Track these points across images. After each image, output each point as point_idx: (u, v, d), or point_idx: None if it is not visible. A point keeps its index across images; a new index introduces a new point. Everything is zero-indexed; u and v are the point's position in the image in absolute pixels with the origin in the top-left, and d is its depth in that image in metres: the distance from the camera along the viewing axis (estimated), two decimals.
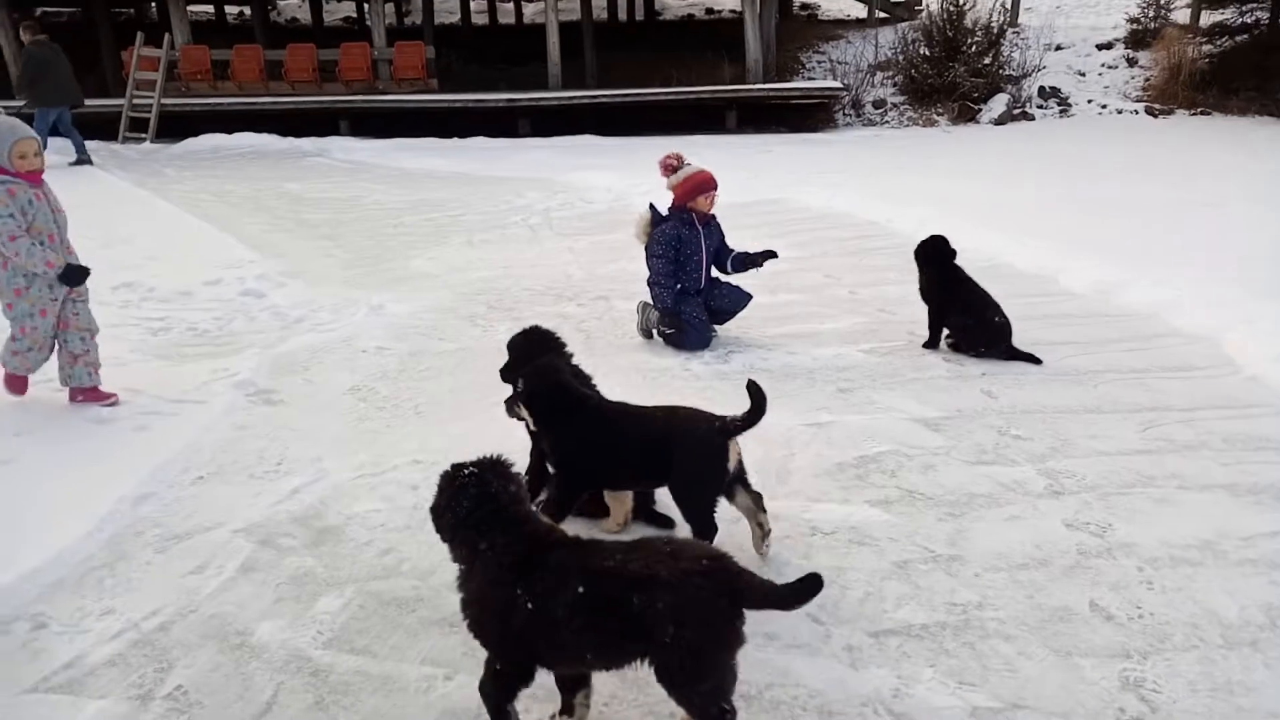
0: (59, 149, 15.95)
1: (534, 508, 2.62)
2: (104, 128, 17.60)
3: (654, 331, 5.59)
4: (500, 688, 2.37)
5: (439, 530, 2.44)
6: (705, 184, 5.53)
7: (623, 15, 25.47)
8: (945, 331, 5.33)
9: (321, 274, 7.45)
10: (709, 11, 26.24)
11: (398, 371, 5.17)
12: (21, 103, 13.78)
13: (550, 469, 3.35)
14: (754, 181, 11.21)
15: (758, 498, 3.22)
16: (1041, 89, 17.05)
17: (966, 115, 16.55)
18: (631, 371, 5.10)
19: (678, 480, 3.16)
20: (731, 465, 3.13)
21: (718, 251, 5.65)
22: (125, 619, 2.95)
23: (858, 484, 3.75)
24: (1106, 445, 4.02)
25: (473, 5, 26.40)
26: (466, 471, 2.41)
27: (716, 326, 5.64)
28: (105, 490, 3.72)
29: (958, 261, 5.40)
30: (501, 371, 3.66)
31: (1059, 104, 16.88)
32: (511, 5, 26.54)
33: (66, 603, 3.04)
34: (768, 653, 2.73)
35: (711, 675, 2.23)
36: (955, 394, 4.67)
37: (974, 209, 8.82)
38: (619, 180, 11.26)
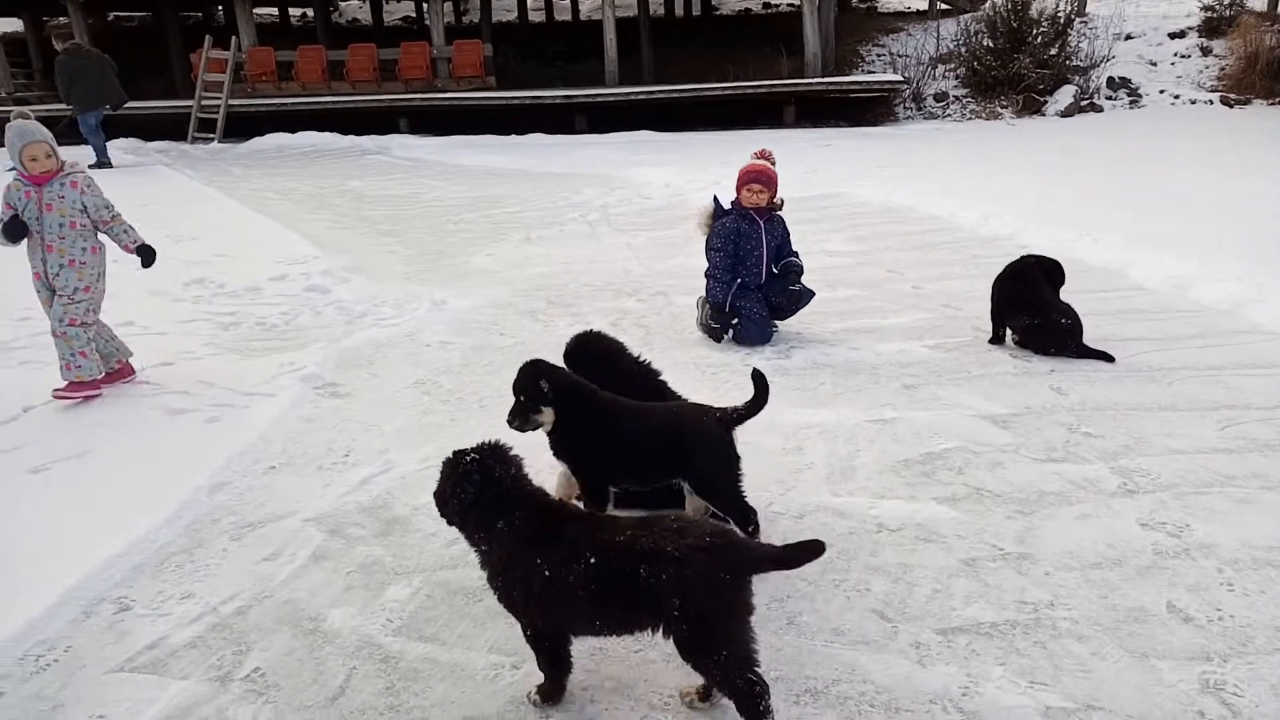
0: (117, 147, 16.45)
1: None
2: (173, 128, 18.13)
3: (702, 325, 5.59)
4: (540, 649, 2.53)
5: (444, 515, 2.56)
6: (746, 176, 5.45)
7: (679, 10, 25.43)
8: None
9: (384, 270, 7.57)
10: (766, 5, 26.08)
11: (460, 366, 5.23)
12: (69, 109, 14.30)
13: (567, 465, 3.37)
14: (813, 176, 11.13)
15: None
16: (1110, 79, 16.64)
17: (1031, 107, 16.22)
18: (690, 367, 5.09)
19: (697, 476, 3.18)
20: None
21: (780, 249, 5.58)
22: (204, 603, 3.03)
23: (924, 481, 3.70)
24: (1182, 443, 3.91)
25: (529, 3, 26.57)
26: (468, 458, 2.51)
27: (778, 322, 5.60)
28: (182, 479, 3.83)
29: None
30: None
31: (1129, 95, 16.46)
32: (568, 2, 26.64)
33: (148, 586, 3.13)
34: (834, 648, 2.71)
35: (723, 644, 2.29)
36: (1023, 390, 4.59)
37: (1040, 203, 8.66)
38: (676, 176, 11.25)
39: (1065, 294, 5.17)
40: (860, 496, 3.59)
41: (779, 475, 3.77)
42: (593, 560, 2.34)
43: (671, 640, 2.32)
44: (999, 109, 16.50)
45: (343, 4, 28.60)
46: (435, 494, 2.55)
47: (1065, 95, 16.19)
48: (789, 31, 18.65)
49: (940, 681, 2.56)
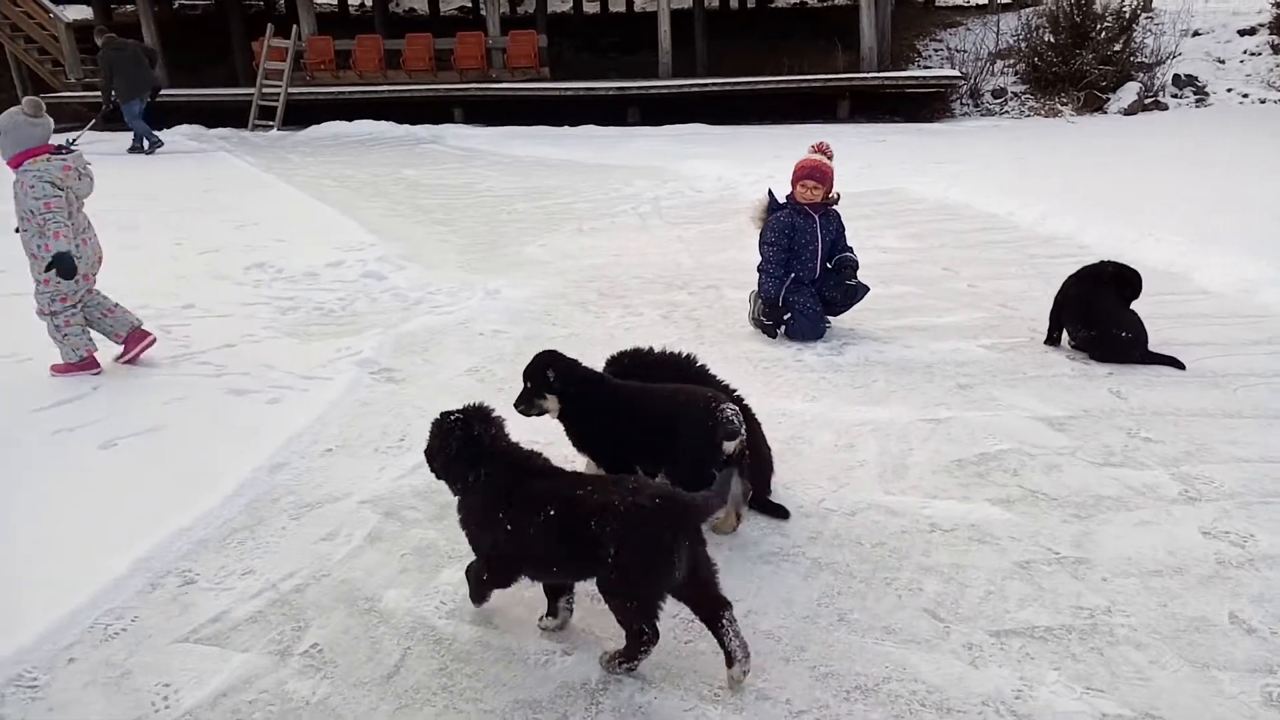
0: (179, 134, 16.87)
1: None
2: (235, 115, 18.47)
3: (754, 320, 5.58)
4: (483, 584, 2.85)
5: (432, 469, 2.87)
6: (800, 171, 5.41)
7: (734, 3, 25.30)
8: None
9: (438, 258, 7.66)
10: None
11: (514, 354, 5.28)
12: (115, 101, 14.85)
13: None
14: (867, 171, 11.01)
15: (747, 491, 3.30)
16: (1176, 77, 16.23)
17: (1093, 105, 15.88)
18: (743, 361, 5.09)
19: (677, 461, 3.19)
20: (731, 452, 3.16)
21: (834, 244, 5.53)
22: (264, 579, 3.11)
23: (978, 481, 3.67)
24: (1247, 451, 3.82)
25: None
26: (453, 418, 2.81)
27: (831, 318, 5.56)
28: (243, 458, 3.92)
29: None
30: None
31: (1195, 93, 16.04)
32: None
33: (211, 561, 3.22)
34: (885, 646, 2.70)
35: (639, 594, 2.54)
36: (1080, 393, 4.51)
37: (1100, 202, 8.48)
38: (729, 169, 11.21)
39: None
40: (913, 495, 3.57)
41: (831, 472, 3.76)
42: (552, 511, 2.60)
43: (596, 581, 2.59)
44: (1059, 106, 16.18)
45: None
46: (425, 451, 2.84)
47: (1129, 93, 15.82)
48: (845, 25, 18.46)
49: (993, 683, 2.54)
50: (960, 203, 9.24)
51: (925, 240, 7.78)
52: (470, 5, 27.22)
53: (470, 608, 2.93)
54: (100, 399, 4.70)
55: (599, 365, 3.56)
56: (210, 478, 3.76)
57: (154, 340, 5.19)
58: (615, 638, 2.68)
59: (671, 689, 2.56)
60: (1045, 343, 5.20)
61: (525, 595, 2.99)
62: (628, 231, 8.59)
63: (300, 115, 18.02)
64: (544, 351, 3.42)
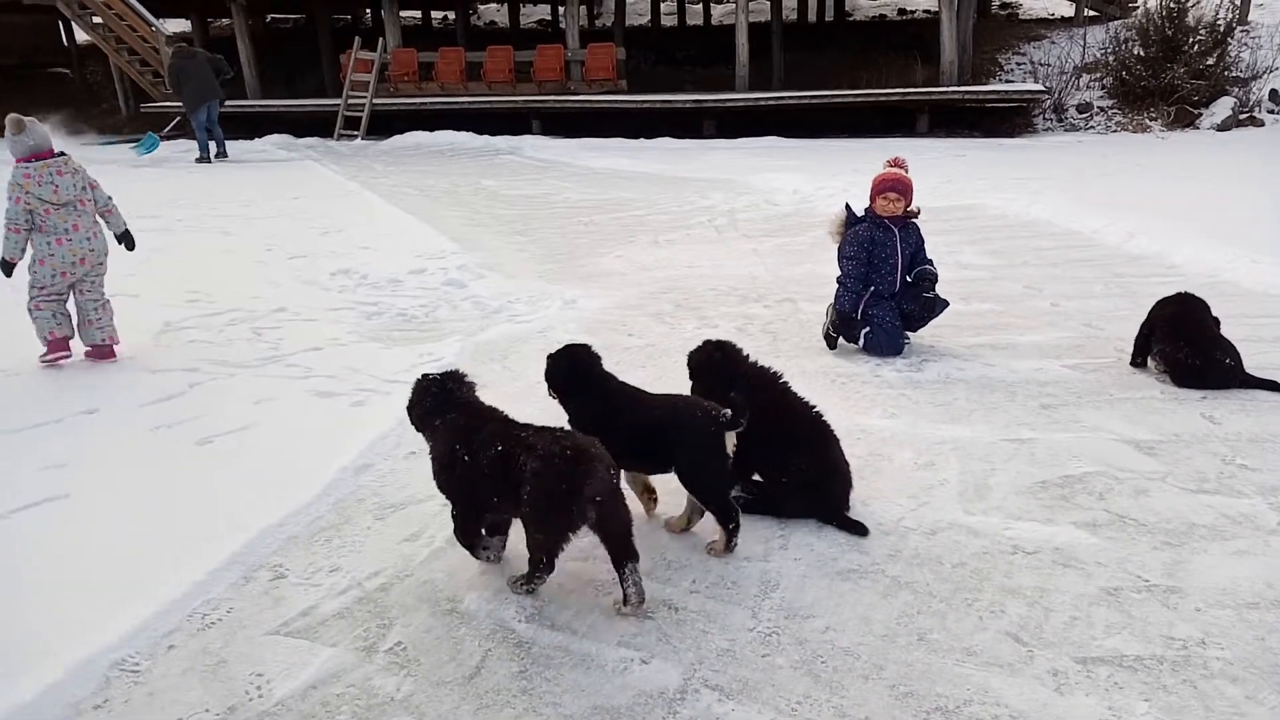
0: (270, 143, 17.52)
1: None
2: (322, 125, 19.04)
3: (825, 330, 5.56)
4: (461, 526, 3.20)
5: (412, 422, 3.33)
6: (881, 184, 5.39)
7: (812, 16, 25.19)
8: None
9: (517, 267, 7.78)
10: (901, 12, 25.59)
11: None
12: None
13: None
14: (946, 186, 10.87)
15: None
16: (1273, 92, 15.64)
17: (1184, 120, 15.39)
18: (820, 376, 5.07)
19: (681, 469, 3.29)
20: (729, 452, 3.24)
21: (914, 257, 5.48)
22: (350, 577, 3.20)
23: (1062, 504, 3.59)
24: None
25: (663, 7, 26.79)
26: (430, 378, 3.31)
27: (909, 334, 5.50)
28: (331, 459, 4.05)
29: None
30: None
31: None
32: (700, 7, 26.74)
33: (301, 557, 3.33)
34: (966, 668, 2.67)
35: (543, 528, 2.93)
36: (1171, 417, 4.39)
37: (1192, 221, 8.22)
38: (805, 183, 11.16)
39: (1221, 317, 4.92)
40: (994, 516, 3.51)
41: (910, 490, 3.72)
42: (494, 449, 2.98)
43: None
44: (1148, 121, 15.73)
45: (482, 7, 29.44)
46: (406, 406, 3.33)
47: (1222, 108, 15.30)
48: (925, 38, 18.24)
49: (1080, 712, 2.49)
50: (1043, 219, 9.06)
51: (1006, 257, 7.64)
52: (550, 18, 27.59)
53: (550, 612, 2.97)
54: (196, 397, 4.89)
55: (672, 375, 3.60)
56: (299, 476, 3.89)
57: (115, 355, 5.57)
58: (693, 647, 2.71)
59: (749, 701, 2.56)
60: (1131, 364, 5.07)
61: (602, 601, 3.03)
62: (703, 244, 8.61)
63: (383, 125, 18.50)
64: (562, 348, 3.66)
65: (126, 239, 5.86)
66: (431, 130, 17.99)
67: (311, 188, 12.68)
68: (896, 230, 5.40)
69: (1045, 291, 6.59)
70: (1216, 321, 4.88)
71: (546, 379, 3.64)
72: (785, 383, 3.70)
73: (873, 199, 5.42)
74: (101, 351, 5.48)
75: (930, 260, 5.51)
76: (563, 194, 11.67)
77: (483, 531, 3.24)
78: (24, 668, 2.70)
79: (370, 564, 3.28)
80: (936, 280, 5.42)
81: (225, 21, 24.35)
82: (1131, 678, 2.60)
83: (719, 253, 8.24)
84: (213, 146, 15.87)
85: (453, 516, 3.22)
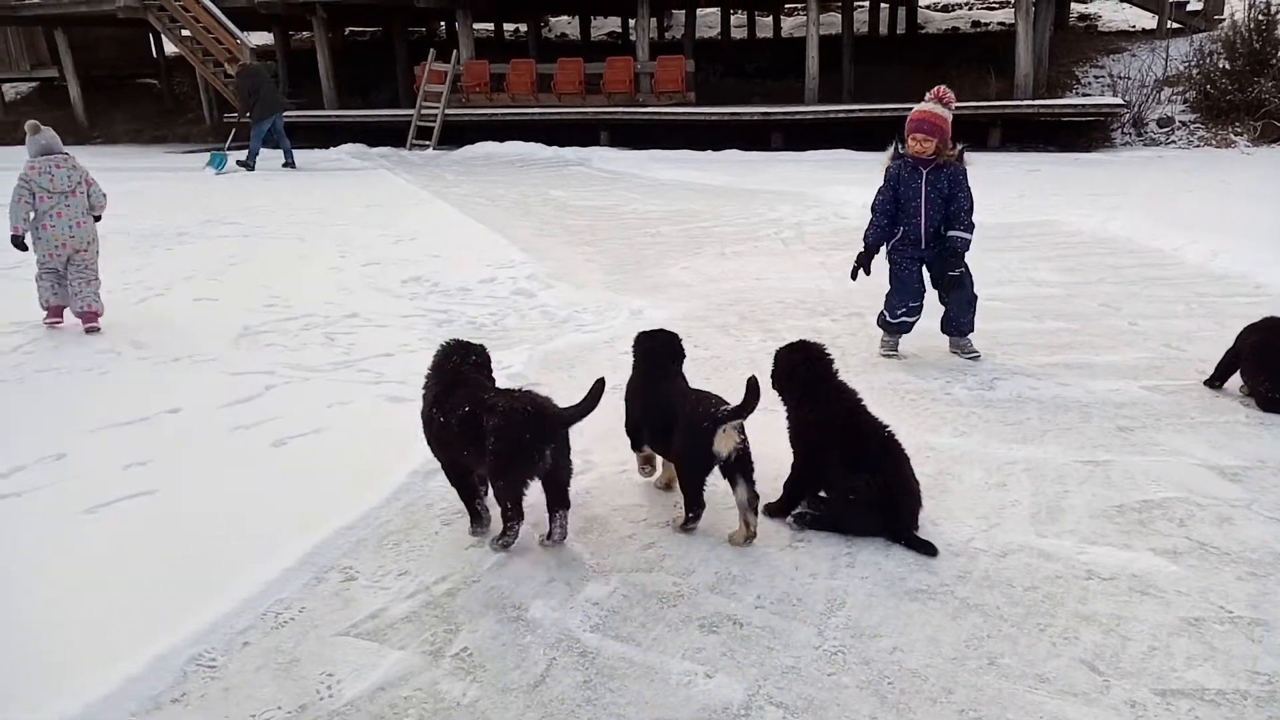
0: (345, 151, 18.06)
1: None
2: (394, 135, 19.45)
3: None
4: (453, 482, 3.59)
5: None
6: (911, 123, 5.11)
7: (884, 29, 24.96)
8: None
9: (585, 277, 7.85)
10: (975, 24, 25.22)
11: None
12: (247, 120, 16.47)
13: None
14: (1019, 201, 10.68)
15: (753, 498, 3.39)
16: None
17: (1271, 135, 14.88)
18: (888, 392, 5.00)
19: (673, 455, 3.59)
20: (721, 452, 3.31)
21: (947, 203, 5.13)
22: (418, 581, 3.25)
23: (1140, 530, 3.49)
24: None
25: (733, 19, 26.79)
26: (447, 344, 3.72)
27: (959, 349, 5.45)
28: (400, 463, 4.11)
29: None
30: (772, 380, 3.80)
31: None
32: (770, 19, 26.68)
33: (370, 560, 3.39)
34: (1039, 695, 2.60)
35: (504, 477, 3.30)
36: (1257, 442, 4.23)
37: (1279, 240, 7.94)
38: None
39: None
40: (1068, 540, 3.43)
41: (981, 511, 3.65)
42: (466, 409, 3.35)
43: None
44: (1233, 136, 15.23)
45: (553, 19, 29.80)
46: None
47: None
48: (998, 51, 17.94)
49: None
50: (1120, 236, 8.83)
51: (1081, 274, 7.46)
52: (620, 30, 27.81)
53: (615, 623, 2.99)
54: (272, 399, 5.03)
55: (737, 387, 3.60)
56: (369, 480, 3.97)
57: (93, 326, 6.45)
58: (758, 664, 2.69)
59: (813, 719, 2.54)
60: (1205, 383, 4.90)
61: (667, 615, 3.03)
62: (770, 256, 8.58)
63: (455, 135, 18.84)
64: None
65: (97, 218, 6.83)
66: (502, 141, 18.26)
67: (384, 196, 12.96)
68: (925, 171, 5.13)
69: (1123, 310, 6.42)
70: None
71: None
72: (860, 401, 3.67)
73: (906, 136, 5.20)
74: (84, 316, 6.44)
75: (970, 213, 5.17)
76: (630, 205, 11.74)
77: (478, 488, 3.59)
78: (106, 660, 2.79)
79: (438, 569, 3.33)
80: (966, 248, 5.14)
81: (306, 34, 25.06)
82: (1214, 712, 2.52)
83: (786, 265, 8.20)
84: (282, 156, 16.58)
85: (445, 473, 3.61)
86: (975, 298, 5.41)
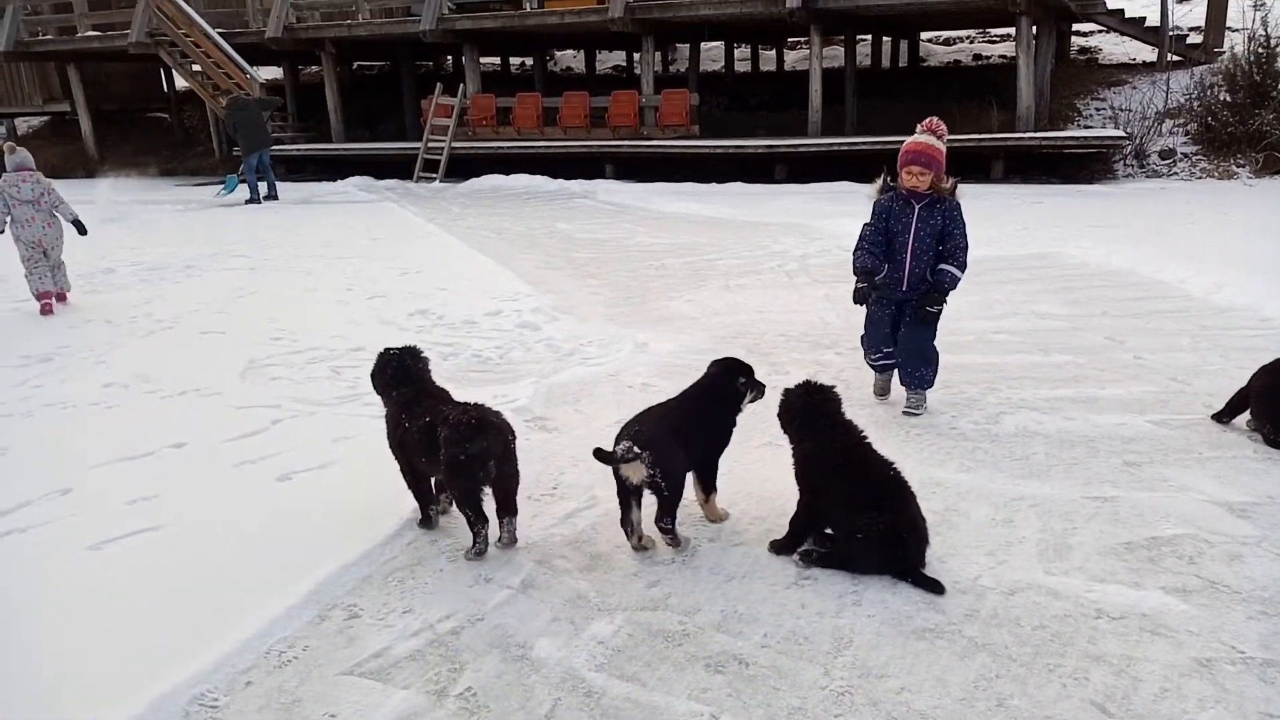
0: (351, 184, 18.21)
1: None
2: (401, 168, 19.61)
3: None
4: (409, 484, 3.89)
5: (375, 389, 4.02)
6: (904, 155, 4.85)
7: (886, 62, 25.16)
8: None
9: (590, 310, 7.87)
10: (977, 57, 25.39)
11: None
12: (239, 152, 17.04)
13: None
14: (1023, 234, 10.71)
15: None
16: None
17: (1274, 167, 14.93)
18: (893, 425, 4.99)
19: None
20: (629, 479, 3.54)
21: (940, 239, 4.87)
22: (423, 619, 3.24)
23: (1149, 568, 3.46)
24: None
25: (736, 53, 27.04)
26: (391, 352, 3.97)
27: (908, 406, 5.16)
28: (404, 499, 4.08)
29: None
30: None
31: None
32: (773, 53, 26.91)
33: (375, 597, 3.38)
34: None
35: (458, 486, 3.57)
36: (1266, 478, 4.21)
37: None
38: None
39: None
40: (1076, 578, 3.40)
41: (988, 547, 3.63)
42: (423, 420, 3.63)
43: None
44: (1235, 168, 15.29)
45: (559, 53, 30.11)
46: (370, 374, 4.02)
47: None
48: (1001, 84, 18.07)
49: None
50: (1124, 269, 8.84)
51: (1086, 307, 7.46)
52: (625, 64, 28.08)
53: (620, 662, 2.96)
54: (278, 434, 5.04)
55: (742, 421, 3.61)
56: (374, 515, 3.97)
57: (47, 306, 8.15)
58: (764, 704, 2.66)
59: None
60: (1212, 418, 4.88)
61: (673, 654, 3.00)
62: (774, 289, 8.60)
63: (461, 168, 18.98)
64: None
65: (78, 225, 8.57)
66: (508, 174, 18.38)
67: (390, 229, 13.04)
68: (917, 207, 4.88)
69: (1128, 344, 6.41)
70: None
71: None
72: (864, 438, 3.66)
73: (899, 170, 4.97)
74: (58, 296, 8.32)
75: (963, 252, 4.90)
76: (635, 238, 11.79)
77: (434, 494, 3.90)
78: (107, 701, 2.78)
79: (442, 606, 3.32)
80: (954, 285, 4.90)
81: (315, 69, 25.34)
82: None
83: (791, 298, 8.21)
84: (263, 188, 16.99)
85: (403, 475, 3.86)
86: (936, 354, 5.10)
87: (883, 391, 5.43)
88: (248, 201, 16.61)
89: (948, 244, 4.91)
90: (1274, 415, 4.57)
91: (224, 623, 3.16)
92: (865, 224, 5.07)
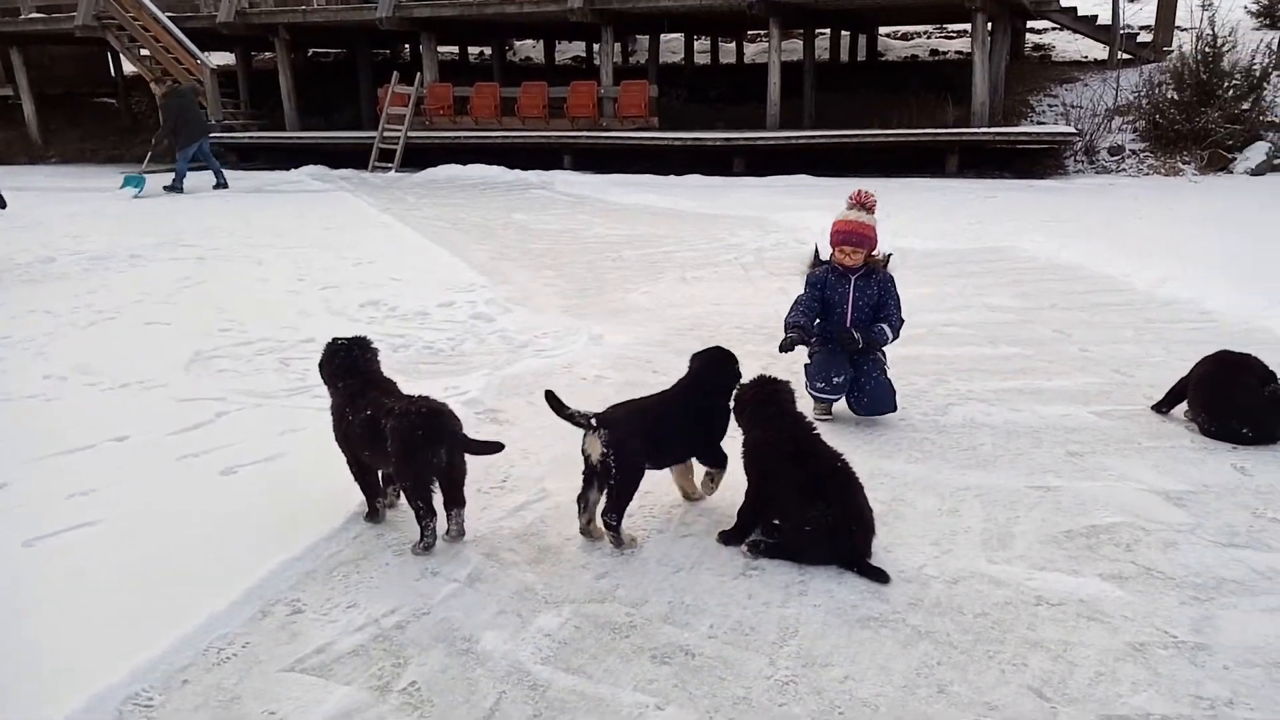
0: (305, 174, 17.97)
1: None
2: (357, 157, 19.36)
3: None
4: (354, 476, 3.83)
5: (322, 379, 3.95)
6: (835, 235, 4.93)
7: (845, 56, 25.32)
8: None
9: (545, 301, 7.83)
10: (934, 53, 25.65)
11: (615, 399, 5.30)
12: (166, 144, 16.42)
13: None
14: (975, 228, 10.85)
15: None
16: None
17: (1218, 164, 15.28)
18: (844, 417, 5.04)
19: None
20: (589, 455, 3.65)
21: (875, 310, 4.96)
22: (367, 614, 3.20)
23: (1088, 555, 3.53)
24: None
25: (696, 45, 27.05)
26: (339, 342, 3.91)
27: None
28: (352, 492, 4.04)
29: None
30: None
31: None
32: (733, 46, 26.96)
33: (318, 592, 3.34)
34: None
35: (408, 477, 3.54)
36: (1201, 467, 4.31)
37: (1225, 266, 8.13)
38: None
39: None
40: (1018, 566, 3.46)
41: (933, 537, 3.68)
42: (367, 413, 3.60)
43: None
44: (1181, 165, 15.62)
45: (518, 43, 29.88)
46: (318, 364, 3.95)
47: (1257, 152, 15.17)
48: (957, 80, 18.28)
49: None
50: (1073, 263, 8.99)
51: (1035, 300, 7.58)
52: (584, 55, 27.95)
53: (566, 655, 2.96)
54: (223, 426, 4.95)
55: None
56: (321, 509, 3.91)
57: None
58: (709, 695, 2.68)
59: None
60: (1152, 408, 4.99)
61: (619, 646, 3.00)
62: (730, 281, 8.63)
63: (417, 158, 18.78)
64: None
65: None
66: (465, 164, 18.22)
67: (345, 219, 12.87)
68: (853, 278, 4.97)
69: (1074, 336, 6.53)
70: (1271, 376, 4.69)
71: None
72: (813, 428, 3.68)
73: (832, 247, 5.00)
74: None
75: (898, 322, 4.99)
76: (592, 229, 11.76)
77: (380, 486, 3.86)
78: (40, 700, 2.72)
79: (388, 601, 3.28)
80: (885, 342, 4.95)
81: (268, 55, 24.90)
82: None
83: (746, 290, 8.24)
84: (210, 177, 16.59)
85: (349, 468, 3.82)
86: (893, 389, 4.98)
87: (825, 414, 5.12)
88: (166, 188, 16.05)
89: (882, 314, 4.97)
90: (1210, 405, 4.69)
91: (162, 620, 3.09)
92: (799, 295, 5.10)
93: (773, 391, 3.78)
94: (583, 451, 3.67)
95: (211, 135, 17.42)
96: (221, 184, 16.52)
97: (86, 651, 2.95)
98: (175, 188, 16.11)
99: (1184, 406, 4.91)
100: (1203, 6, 19.60)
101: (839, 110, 19.16)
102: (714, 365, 4.04)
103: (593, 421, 3.62)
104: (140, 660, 2.88)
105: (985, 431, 4.80)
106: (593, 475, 3.66)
